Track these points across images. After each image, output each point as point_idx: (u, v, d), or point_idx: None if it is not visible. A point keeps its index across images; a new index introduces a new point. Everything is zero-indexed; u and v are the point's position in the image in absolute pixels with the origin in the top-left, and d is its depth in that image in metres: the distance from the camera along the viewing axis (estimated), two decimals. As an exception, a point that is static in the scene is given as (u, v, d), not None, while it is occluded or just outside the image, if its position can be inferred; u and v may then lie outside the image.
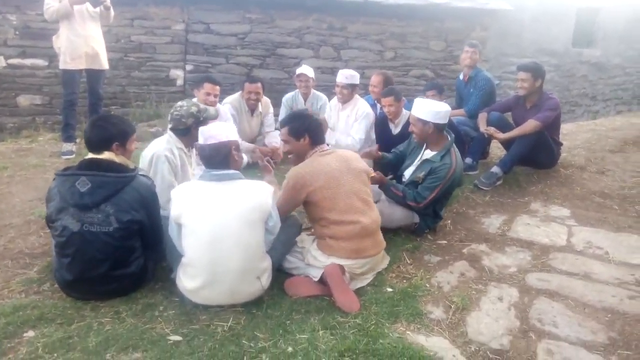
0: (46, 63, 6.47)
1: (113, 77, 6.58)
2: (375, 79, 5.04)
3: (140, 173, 2.78)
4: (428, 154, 3.56)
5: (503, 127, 4.57)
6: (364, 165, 3.11)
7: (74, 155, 4.98)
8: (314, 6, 7.16)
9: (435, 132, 3.47)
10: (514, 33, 8.83)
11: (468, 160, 4.70)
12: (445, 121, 3.47)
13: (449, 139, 3.50)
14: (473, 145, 4.78)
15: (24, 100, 6.56)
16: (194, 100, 4.41)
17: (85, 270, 2.58)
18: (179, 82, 6.97)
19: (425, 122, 3.43)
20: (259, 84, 4.97)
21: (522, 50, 8.95)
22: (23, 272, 2.95)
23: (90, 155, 2.76)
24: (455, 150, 3.51)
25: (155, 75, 6.89)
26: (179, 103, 3.40)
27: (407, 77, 7.79)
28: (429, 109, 3.43)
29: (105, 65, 5.26)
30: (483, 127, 4.54)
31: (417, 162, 3.63)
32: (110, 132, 2.76)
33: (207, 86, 4.42)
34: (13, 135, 5.96)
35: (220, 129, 2.67)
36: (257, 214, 2.59)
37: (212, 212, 2.52)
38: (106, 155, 2.72)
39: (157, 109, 6.46)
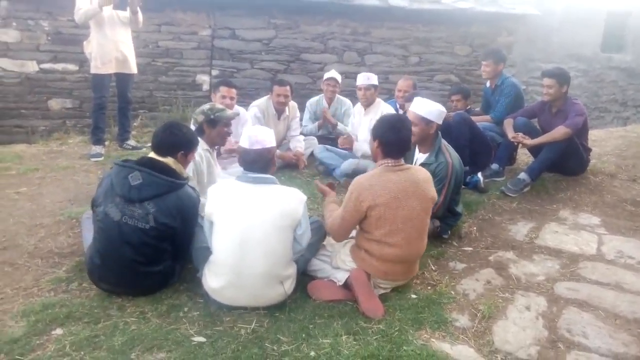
0: (77, 67, 6.61)
1: (141, 82, 6.70)
2: (404, 84, 5.03)
3: (189, 184, 2.86)
4: (421, 157, 3.51)
5: (530, 132, 4.49)
6: (433, 192, 2.89)
7: (102, 158, 5.09)
8: (338, 12, 7.17)
9: (434, 133, 3.43)
10: (542, 38, 8.69)
11: (494, 166, 4.63)
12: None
13: (438, 135, 3.46)
14: (500, 151, 4.70)
15: (55, 104, 6.72)
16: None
17: (116, 259, 2.63)
18: (205, 87, 7.04)
19: (428, 122, 3.37)
20: (288, 87, 5.03)
21: (550, 55, 8.80)
22: (52, 271, 3.01)
23: (152, 155, 2.84)
24: (446, 145, 3.46)
25: (182, 80, 6.98)
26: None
27: (431, 82, 7.73)
28: (435, 108, 3.38)
29: (134, 69, 5.37)
30: (511, 134, 4.45)
31: None
32: (180, 140, 2.88)
33: (223, 89, 4.51)
34: (44, 137, 6.10)
35: (266, 135, 2.73)
36: (286, 220, 2.59)
37: (243, 213, 2.56)
38: (166, 159, 2.81)
39: (183, 113, 6.53)
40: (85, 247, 3.01)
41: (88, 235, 2.96)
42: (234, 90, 4.56)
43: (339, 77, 5.60)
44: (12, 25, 6.42)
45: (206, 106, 3.54)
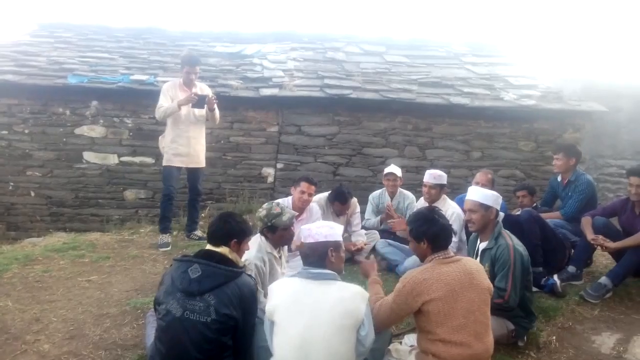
0: (153, 161, 7.08)
1: (210, 175, 7.07)
2: (483, 177, 5.00)
3: (246, 272, 2.86)
4: (483, 245, 3.47)
5: (610, 233, 4.22)
6: (488, 282, 2.78)
7: (169, 247, 5.25)
8: (400, 109, 7.37)
9: (494, 219, 3.42)
10: (610, 134, 8.48)
11: (571, 268, 4.34)
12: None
13: (499, 223, 3.45)
14: (577, 252, 4.41)
15: (129, 194, 7.16)
16: (282, 199, 4.58)
17: (178, 359, 2.58)
18: (270, 179, 7.29)
19: (487, 208, 3.40)
20: (352, 201, 5.14)
21: (620, 151, 8.53)
22: (115, 364, 3.02)
23: (208, 247, 2.91)
24: (505, 231, 3.42)
25: (248, 172, 7.29)
26: (263, 206, 3.61)
27: (495, 177, 7.59)
28: (490, 193, 3.46)
29: (203, 164, 5.66)
30: (590, 235, 4.20)
31: (477, 259, 3.49)
32: (232, 230, 2.93)
33: (304, 185, 4.62)
34: (117, 226, 6.42)
35: (320, 229, 2.69)
36: (349, 320, 2.46)
37: (304, 312, 2.46)
38: (222, 249, 2.86)
39: (249, 204, 6.74)
40: (147, 343, 3.01)
41: (151, 331, 2.97)
42: (313, 188, 4.69)
43: (398, 172, 5.62)
44: (100, 122, 7.08)
45: (263, 212, 3.53)
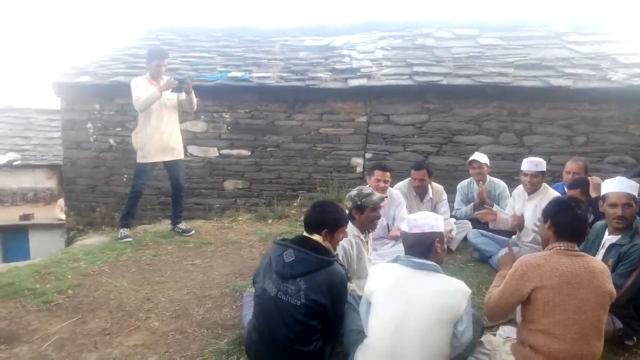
0: (249, 153, 7.48)
1: (302, 165, 7.34)
2: (573, 165, 4.69)
3: (338, 261, 2.92)
4: (612, 238, 3.18)
5: None
6: (611, 287, 2.50)
7: (132, 239, 5.33)
8: (494, 94, 7.08)
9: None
10: None
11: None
12: None
13: (636, 218, 3.14)
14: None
15: (229, 184, 7.61)
16: (365, 186, 4.65)
17: (271, 336, 2.74)
18: (359, 169, 7.38)
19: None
20: (424, 171, 5.12)
21: None
22: (215, 342, 3.26)
23: (304, 233, 3.02)
24: None
25: (338, 163, 7.43)
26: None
27: (602, 164, 7.04)
28: (637, 185, 3.17)
29: (181, 155, 5.54)
30: None
31: (601, 250, 3.24)
32: (324, 219, 2.99)
33: (377, 173, 4.67)
34: (218, 214, 6.89)
35: (426, 219, 2.66)
36: (448, 314, 2.43)
37: (402, 299, 2.48)
38: (316, 237, 2.95)
39: (338, 194, 6.85)
40: (244, 323, 3.23)
41: (247, 312, 3.17)
42: (388, 174, 4.70)
43: (483, 159, 5.44)
44: (201, 118, 7.56)
45: (354, 192, 3.66)
